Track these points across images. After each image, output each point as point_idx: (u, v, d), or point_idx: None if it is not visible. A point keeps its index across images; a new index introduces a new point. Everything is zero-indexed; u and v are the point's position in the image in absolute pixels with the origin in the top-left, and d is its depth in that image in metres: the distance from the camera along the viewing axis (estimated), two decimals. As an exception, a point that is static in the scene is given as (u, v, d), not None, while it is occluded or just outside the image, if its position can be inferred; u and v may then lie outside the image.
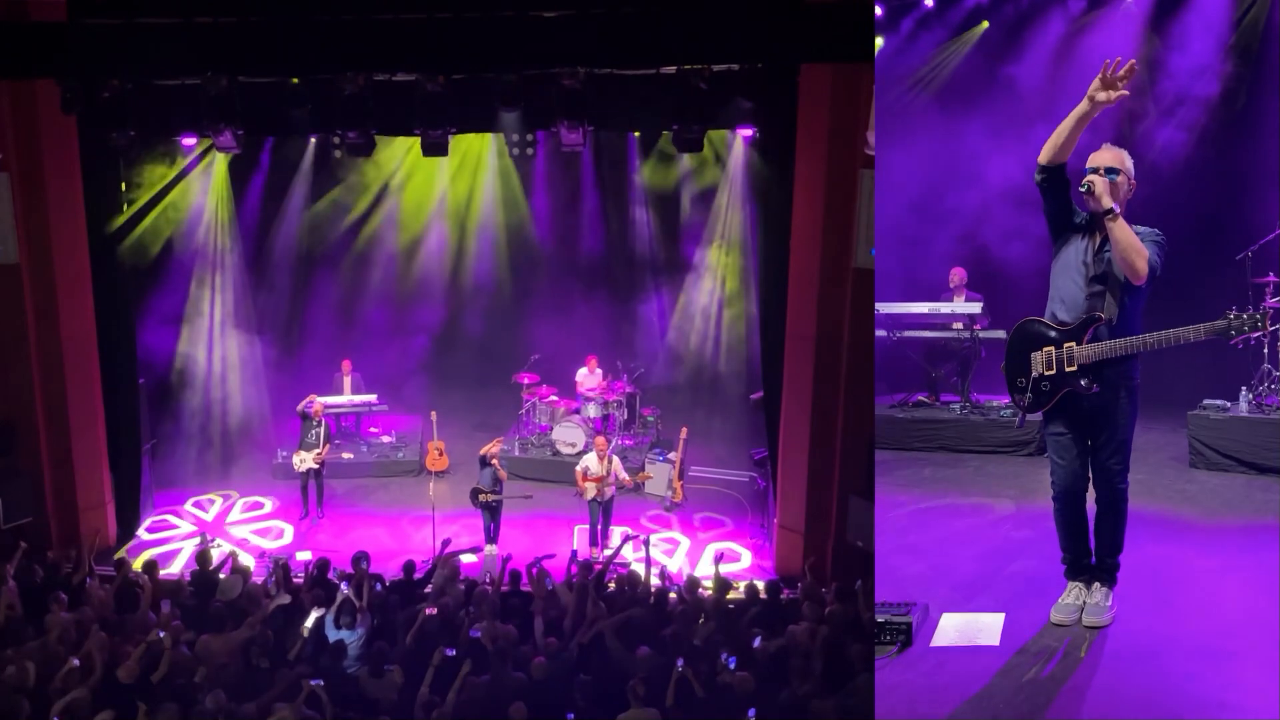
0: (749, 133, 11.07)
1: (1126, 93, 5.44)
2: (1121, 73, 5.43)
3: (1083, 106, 5.55)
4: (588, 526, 11.18)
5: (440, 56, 9.32)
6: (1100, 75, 5.46)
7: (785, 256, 10.24)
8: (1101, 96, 5.47)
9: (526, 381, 13.68)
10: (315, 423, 11.94)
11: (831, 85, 9.48)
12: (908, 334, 11.91)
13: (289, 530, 11.78)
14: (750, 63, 9.45)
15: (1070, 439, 6.13)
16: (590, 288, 14.74)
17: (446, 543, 9.61)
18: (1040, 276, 6.24)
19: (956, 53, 13.52)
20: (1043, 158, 5.76)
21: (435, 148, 10.44)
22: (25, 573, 8.95)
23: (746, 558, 11.11)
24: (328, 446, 12.08)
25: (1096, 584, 6.29)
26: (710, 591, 8.69)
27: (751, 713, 6.88)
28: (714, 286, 14.36)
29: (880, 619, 6.24)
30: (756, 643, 7.65)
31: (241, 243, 13.88)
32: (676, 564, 10.82)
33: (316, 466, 11.88)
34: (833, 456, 10.15)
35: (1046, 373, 5.98)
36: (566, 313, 14.64)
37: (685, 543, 11.48)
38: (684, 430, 12.40)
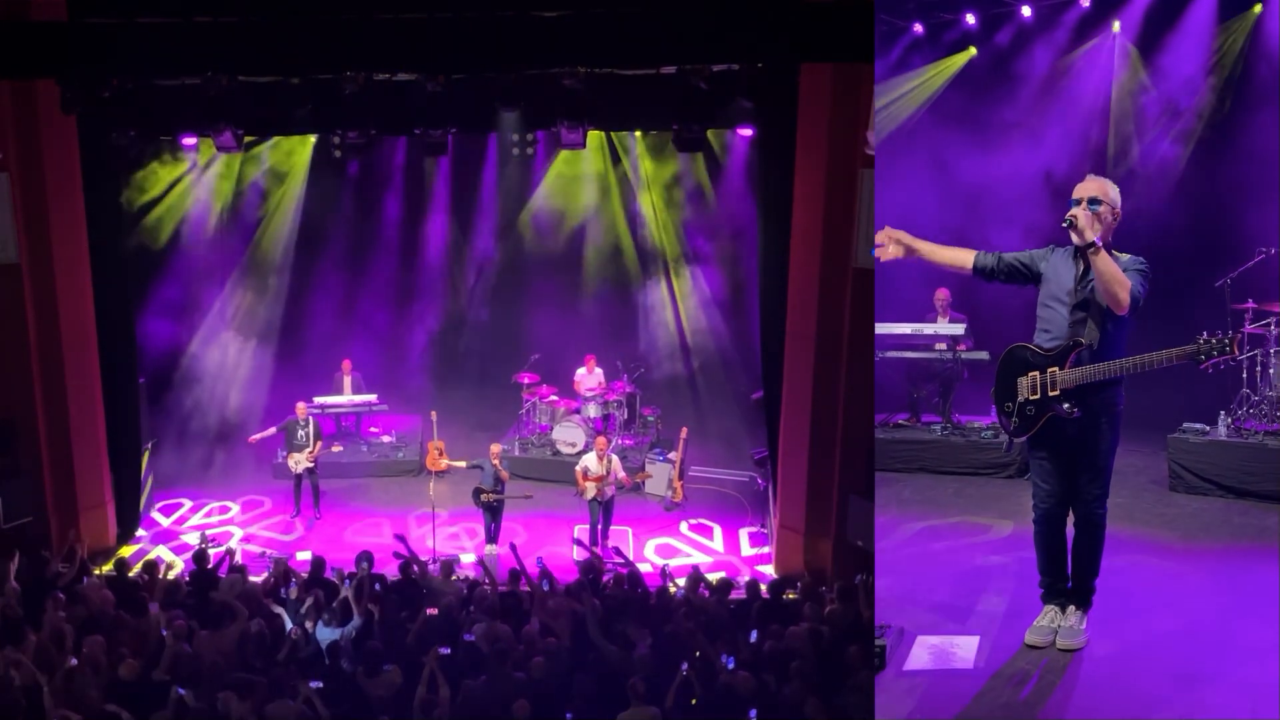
0: (749, 132, 11.07)
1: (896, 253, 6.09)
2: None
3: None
4: (588, 526, 11.19)
5: (440, 56, 9.32)
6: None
7: (785, 256, 10.24)
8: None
9: (526, 381, 13.68)
10: (302, 423, 11.94)
11: (831, 85, 9.47)
12: (890, 354, 11.87)
13: (298, 524, 11.86)
14: (750, 63, 9.45)
15: (1052, 463, 6.16)
16: (590, 287, 14.74)
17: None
18: (1022, 296, 6.32)
19: (943, 75, 13.58)
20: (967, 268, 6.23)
21: (435, 148, 10.45)
22: (26, 572, 8.95)
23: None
24: (319, 444, 12.08)
25: (1071, 607, 6.29)
26: (710, 592, 8.70)
27: (753, 713, 6.89)
28: (713, 286, 14.37)
29: None
30: (753, 636, 7.64)
31: (242, 242, 13.90)
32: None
33: (311, 465, 11.89)
34: (833, 456, 10.15)
35: (1031, 397, 6.02)
36: (566, 312, 14.65)
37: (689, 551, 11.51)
38: (684, 430, 12.41)
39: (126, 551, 11.07)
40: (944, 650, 6.30)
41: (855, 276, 9.71)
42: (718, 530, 11.78)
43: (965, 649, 6.28)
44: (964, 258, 6.21)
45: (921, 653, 6.29)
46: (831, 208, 9.68)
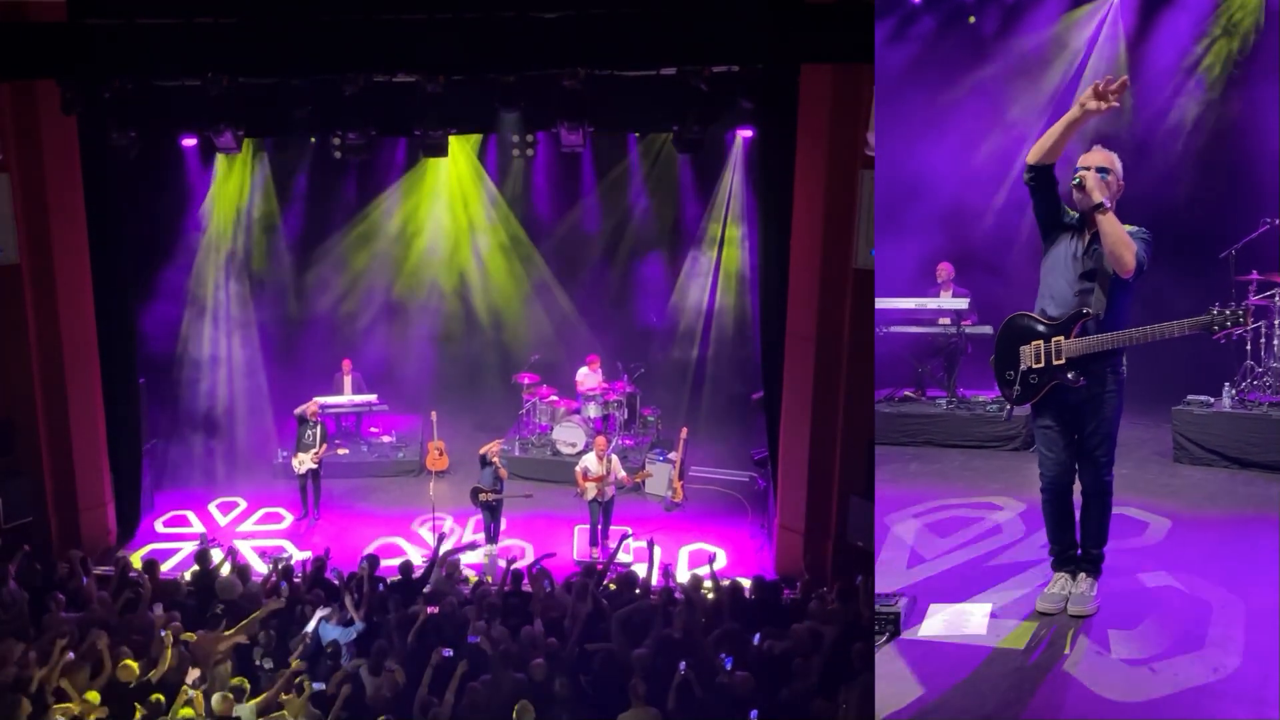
0: (749, 133, 11.06)
1: (1117, 104, 5.64)
2: (1114, 88, 5.61)
3: (1073, 112, 5.73)
4: (588, 527, 11.19)
5: (440, 56, 9.33)
6: (1093, 86, 5.64)
7: (785, 257, 10.24)
8: (1092, 105, 5.65)
9: (527, 381, 13.68)
10: (311, 424, 11.95)
11: (831, 85, 9.48)
12: (894, 329, 11.90)
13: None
14: (750, 63, 9.46)
15: (1058, 431, 6.23)
16: (591, 286, 14.74)
17: (442, 537, 9.60)
18: (1023, 270, 6.32)
19: (943, 47, 13.45)
20: (1031, 158, 5.93)
21: (435, 148, 10.44)
22: (27, 573, 8.95)
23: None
24: (325, 446, 12.09)
25: (1081, 574, 6.39)
26: (711, 593, 8.69)
27: (754, 714, 6.89)
28: (714, 285, 14.37)
29: None
30: (756, 639, 7.64)
31: (243, 242, 13.90)
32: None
33: (315, 467, 11.90)
34: (833, 456, 10.16)
35: (1035, 366, 6.08)
36: (566, 311, 14.65)
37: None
38: (684, 430, 12.41)
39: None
40: (956, 617, 6.39)
41: (855, 276, 9.73)
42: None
43: (976, 616, 6.36)
44: (1051, 149, 5.86)
45: (935, 620, 6.38)
46: (831, 208, 9.69)
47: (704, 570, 9.11)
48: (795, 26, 9.06)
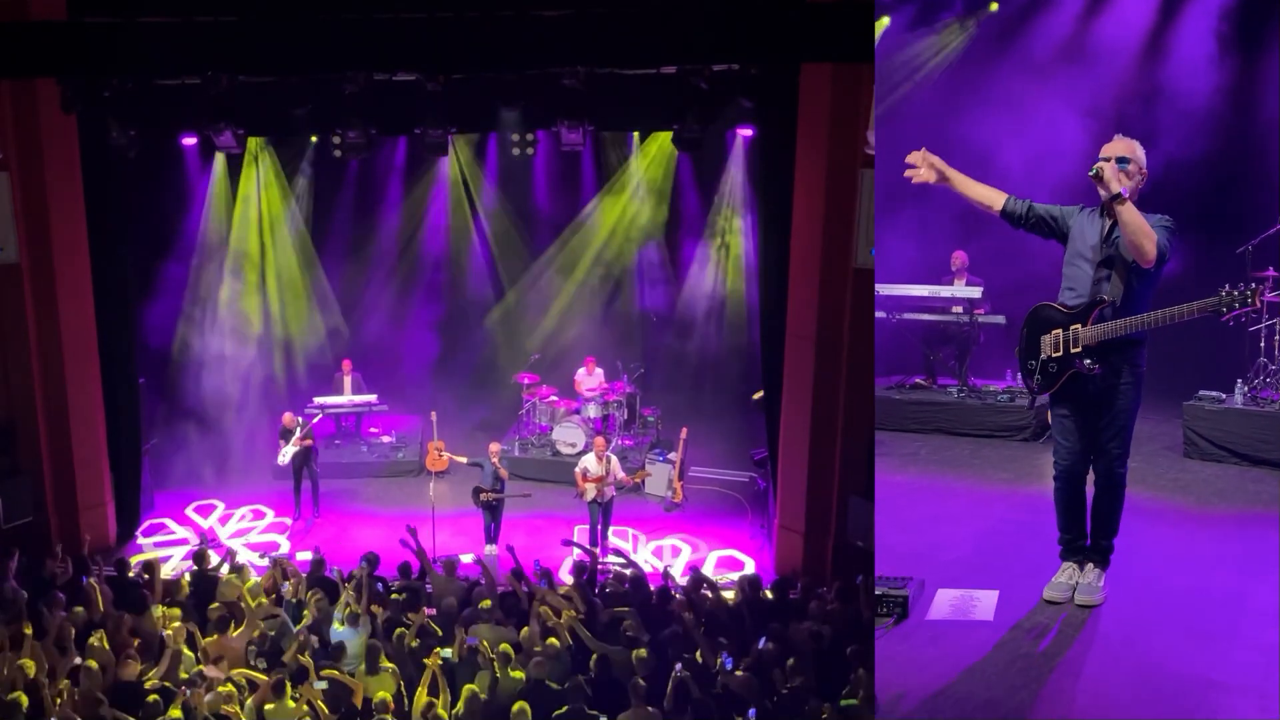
0: (749, 132, 11.05)
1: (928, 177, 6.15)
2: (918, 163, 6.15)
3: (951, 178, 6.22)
4: (588, 527, 11.18)
5: (440, 56, 9.32)
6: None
7: (785, 256, 10.24)
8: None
9: (527, 382, 13.68)
10: (291, 429, 11.93)
11: (831, 85, 9.48)
12: (907, 316, 11.92)
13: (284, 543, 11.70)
14: (750, 62, 9.46)
15: (1074, 421, 6.28)
16: (590, 285, 14.74)
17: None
18: (1039, 260, 6.33)
19: (963, 32, 13.32)
20: (996, 209, 6.27)
21: (435, 148, 10.43)
22: (28, 573, 8.96)
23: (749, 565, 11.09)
24: (309, 429, 12.01)
25: (1089, 565, 6.41)
26: (712, 593, 8.69)
27: (752, 713, 6.89)
28: (714, 285, 14.37)
29: (877, 592, 6.38)
30: (761, 643, 7.65)
31: (243, 241, 13.90)
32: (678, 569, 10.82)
33: (299, 449, 11.79)
34: (833, 456, 10.15)
35: (1054, 355, 6.13)
36: (567, 312, 14.65)
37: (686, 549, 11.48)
38: (684, 430, 12.40)
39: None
40: (964, 603, 6.42)
41: (855, 276, 9.72)
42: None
43: (985, 602, 6.39)
44: (994, 198, 6.27)
45: (942, 604, 6.41)
46: (831, 208, 9.69)
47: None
48: (795, 26, 9.05)
